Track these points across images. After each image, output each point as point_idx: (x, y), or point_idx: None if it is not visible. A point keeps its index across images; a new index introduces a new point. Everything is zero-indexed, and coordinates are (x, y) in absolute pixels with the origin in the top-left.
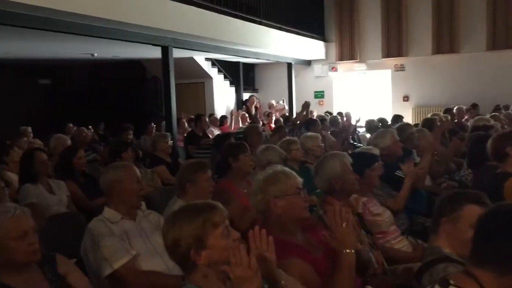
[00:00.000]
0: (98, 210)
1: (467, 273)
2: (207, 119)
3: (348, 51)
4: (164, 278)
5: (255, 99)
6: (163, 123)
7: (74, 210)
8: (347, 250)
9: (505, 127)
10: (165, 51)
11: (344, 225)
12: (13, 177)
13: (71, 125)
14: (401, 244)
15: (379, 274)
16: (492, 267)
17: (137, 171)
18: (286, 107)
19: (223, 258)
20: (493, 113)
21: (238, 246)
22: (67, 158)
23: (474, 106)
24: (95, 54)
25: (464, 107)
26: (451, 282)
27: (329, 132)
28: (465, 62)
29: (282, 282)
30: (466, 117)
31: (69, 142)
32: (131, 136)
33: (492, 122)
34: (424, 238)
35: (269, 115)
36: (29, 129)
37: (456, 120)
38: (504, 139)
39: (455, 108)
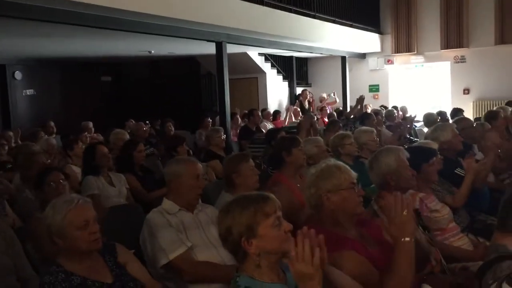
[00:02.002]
0: (155, 202)
1: None
2: (260, 114)
3: (405, 43)
4: (219, 268)
5: (308, 93)
6: (217, 118)
7: (133, 202)
8: (406, 239)
9: None
10: (219, 46)
11: (404, 213)
12: (77, 170)
13: (132, 121)
14: (461, 241)
15: (437, 273)
16: None
17: (200, 167)
18: (337, 100)
19: (274, 248)
20: None
21: (290, 238)
22: (128, 151)
23: None
24: (152, 51)
25: None
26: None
27: (384, 127)
28: None
29: None
30: None
31: (127, 136)
32: (172, 128)
33: None
34: (486, 236)
35: (322, 110)
36: (90, 124)
37: None
38: None
39: None
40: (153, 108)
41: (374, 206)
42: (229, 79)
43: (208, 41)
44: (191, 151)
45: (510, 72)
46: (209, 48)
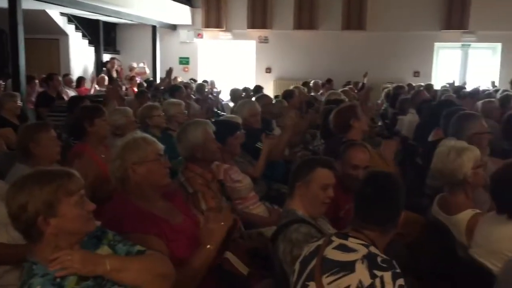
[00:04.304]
0: None
1: (357, 231)
2: (60, 79)
3: (215, 18)
4: (8, 248)
5: (116, 61)
6: (9, 81)
7: None
8: (209, 246)
9: (354, 101)
10: (13, 0)
11: (221, 224)
12: None
13: None
14: (259, 209)
15: (236, 239)
16: (375, 227)
17: None
18: (148, 71)
19: (75, 229)
20: (344, 88)
21: (92, 218)
22: None
23: (329, 81)
24: None
25: (320, 82)
26: (350, 235)
27: (193, 100)
28: (322, 39)
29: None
30: (321, 91)
31: None
32: None
33: (342, 96)
34: (280, 204)
35: (132, 79)
36: None
37: (312, 93)
38: (347, 112)
39: (312, 82)
40: None
41: (181, 178)
42: (25, 39)
43: None
44: None
45: (305, 55)
46: (1, 1)
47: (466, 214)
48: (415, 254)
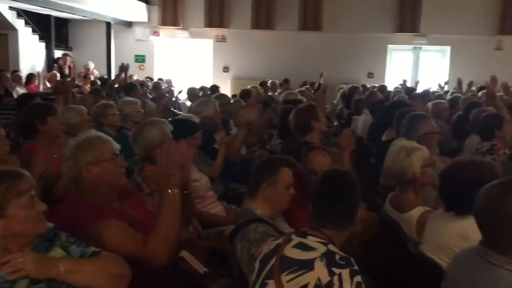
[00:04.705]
0: None
1: (316, 230)
2: (9, 76)
3: (171, 16)
4: None
5: (68, 58)
6: None
7: None
8: (171, 190)
9: (311, 101)
10: None
11: (169, 164)
12: None
13: None
14: (217, 208)
15: (194, 238)
16: (333, 225)
17: None
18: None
19: (25, 230)
20: (301, 88)
21: (43, 219)
22: None
23: (286, 81)
24: None
25: (277, 81)
26: (309, 233)
27: (149, 98)
28: (279, 39)
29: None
30: (279, 91)
31: None
32: None
33: (300, 96)
34: (237, 203)
35: (86, 76)
36: None
37: (269, 93)
38: (308, 113)
39: (269, 82)
40: None
41: (137, 178)
42: None
43: None
44: None
45: (262, 55)
46: None
47: (416, 212)
48: (369, 252)
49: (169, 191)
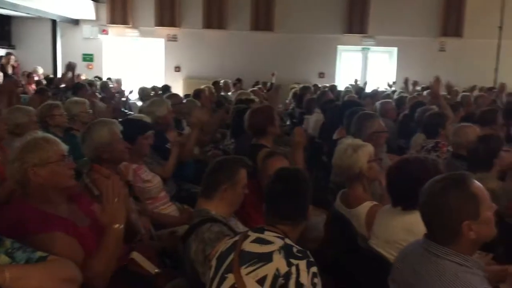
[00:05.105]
0: None
1: (272, 226)
2: None
3: (121, 15)
4: None
5: (12, 57)
6: None
7: None
8: (117, 225)
9: (263, 101)
10: None
11: (116, 200)
12: None
13: None
14: (170, 209)
15: (146, 240)
16: (287, 221)
17: None
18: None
19: None
20: (253, 88)
21: None
22: None
23: (239, 80)
24: None
25: (230, 81)
26: (265, 229)
27: (98, 98)
28: (232, 39)
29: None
30: (232, 91)
31: None
32: None
33: (252, 96)
34: (191, 203)
35: (29, 76)
36: None
37: (222, 93)
38: (264, 116)
39: (222, 81)
40: None
41: (86, 180)
42: None
43: None
44: None
45: (215, 54)
46: None
47: (364, 207)
48: (321, 247)
49: (114, 226)
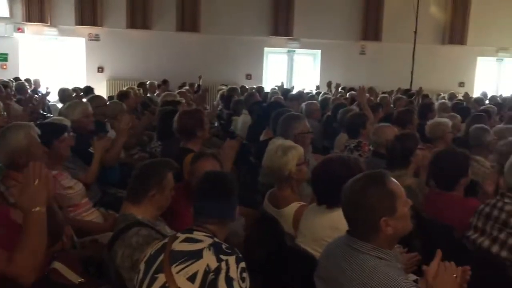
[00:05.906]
0: None
1: (200, 226)
2: None
3: (37, 12)
4: None
5: None
6: None
7: None
8: (37, 208)
9: (190, 102)
10: None
11: (36, 182)
12: None
13: None
14: (93, 215)
15: (68, 248)
16: (215, 221)
17: None
18: None
19: None
20: (180, 90)
21: None
22: None
23: (165, 82)
24: None
25: (156, 82)
26: (194, 229)
27: (14, 100)
28: (157, 39)
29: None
30: (157, 92)
31: None
32: None
33: (179, 97)
34: (116, 209)
35: None
36: None
37: (148, 94)
38: (193, 120)
39: (147, 83)
40: None
41: (1, 187)
42: None
43: None
44: None
45: (139, 55)
46: None
47: (292, 207)
48: (250, 247)
49: (34, 209)
